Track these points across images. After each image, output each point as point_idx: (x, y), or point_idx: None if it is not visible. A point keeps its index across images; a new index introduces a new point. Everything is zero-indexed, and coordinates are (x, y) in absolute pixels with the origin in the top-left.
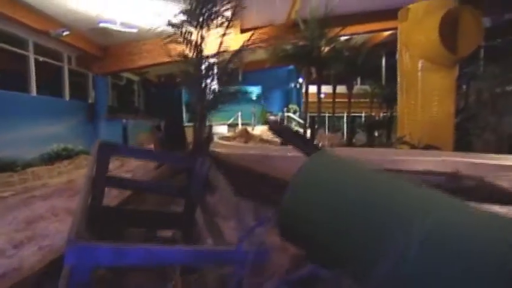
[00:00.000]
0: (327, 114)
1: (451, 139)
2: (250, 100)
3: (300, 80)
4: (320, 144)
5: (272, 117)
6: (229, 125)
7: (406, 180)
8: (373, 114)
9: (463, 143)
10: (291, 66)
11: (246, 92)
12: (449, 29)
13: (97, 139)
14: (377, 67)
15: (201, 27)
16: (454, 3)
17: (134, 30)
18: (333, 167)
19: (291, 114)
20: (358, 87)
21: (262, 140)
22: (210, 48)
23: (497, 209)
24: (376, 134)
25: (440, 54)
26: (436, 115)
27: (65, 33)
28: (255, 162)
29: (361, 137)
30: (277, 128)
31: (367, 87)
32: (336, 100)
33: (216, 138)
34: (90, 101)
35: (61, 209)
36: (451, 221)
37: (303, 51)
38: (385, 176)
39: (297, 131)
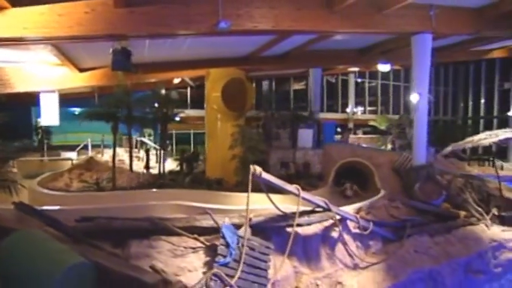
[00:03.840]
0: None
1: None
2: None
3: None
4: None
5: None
6: (85, 148)
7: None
8: None
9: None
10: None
11: None
12: (238, 90)
13: None
14: None
15: None
16: (240, 73)
17: None
18: (20, 245)
19: (144, 139)
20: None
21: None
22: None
23: None
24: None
25: (225, 110)
26: (226, 154)
27: None
28: None
29: None
30: (30, 212)
31: None
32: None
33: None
34: None
35: None
36: None
37: (111, 111)
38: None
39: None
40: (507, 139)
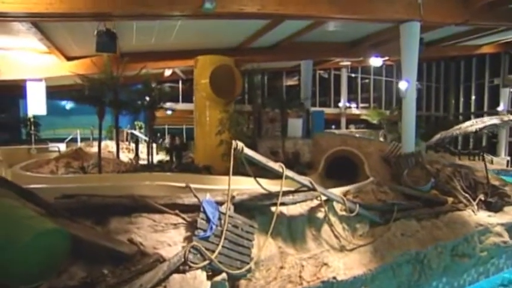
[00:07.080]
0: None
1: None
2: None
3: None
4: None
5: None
6: (75, 141)
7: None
8: None
9: None
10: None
11: None
12: (226, 77)
13: None
14: None
15: None
16: (229, 60)
17: None
18: None
19: (134, 131)
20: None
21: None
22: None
23: None
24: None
25: (213, 97)
26: (214, 142)
27: None
28: None
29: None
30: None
31: None
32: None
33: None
34: None
35: None
36: None
37: (97, 94)
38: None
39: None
40: (493, 125)
